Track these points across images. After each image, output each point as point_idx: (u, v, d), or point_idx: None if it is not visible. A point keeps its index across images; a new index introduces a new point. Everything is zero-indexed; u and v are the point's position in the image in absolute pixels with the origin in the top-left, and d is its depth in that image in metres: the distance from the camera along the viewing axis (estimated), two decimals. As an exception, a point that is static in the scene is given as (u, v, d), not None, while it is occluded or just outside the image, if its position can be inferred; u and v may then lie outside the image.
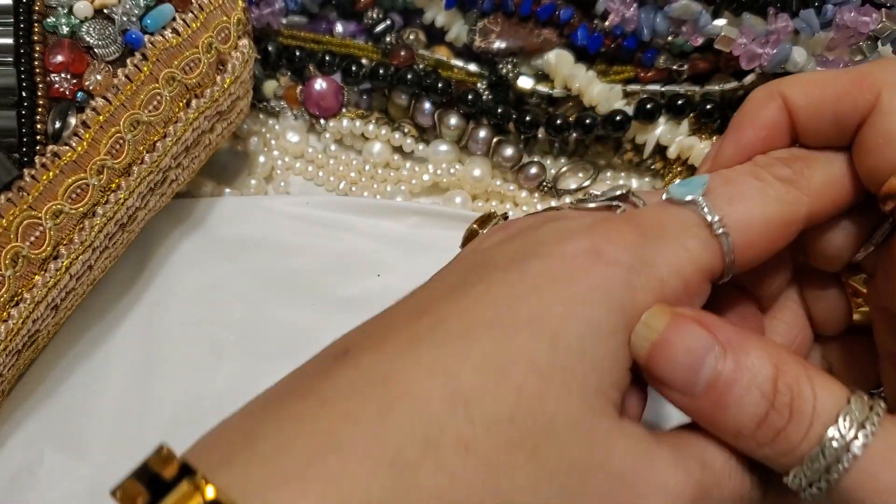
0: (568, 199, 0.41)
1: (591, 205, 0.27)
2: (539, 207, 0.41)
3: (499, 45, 0.40)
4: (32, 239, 0.30)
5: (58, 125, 0.31)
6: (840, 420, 0.21)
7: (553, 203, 0.41)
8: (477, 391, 0.20)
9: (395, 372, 0.20)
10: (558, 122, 0.40)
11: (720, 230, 0.24)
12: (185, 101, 0.33)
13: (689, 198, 0.24)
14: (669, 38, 0.39)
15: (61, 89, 0.31)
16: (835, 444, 0.21)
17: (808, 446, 0.21)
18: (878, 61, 0.25)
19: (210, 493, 0.18)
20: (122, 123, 0.31)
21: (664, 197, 0.25)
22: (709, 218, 0.24)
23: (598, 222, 0.24)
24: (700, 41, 0.37)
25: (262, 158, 0.42)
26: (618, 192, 0.27)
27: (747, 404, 0.22)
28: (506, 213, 0.30)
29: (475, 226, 0.29)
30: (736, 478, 0.23)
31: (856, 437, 0.21)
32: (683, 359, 0.22)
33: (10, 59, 0.31)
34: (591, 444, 0.21)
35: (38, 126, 0.30)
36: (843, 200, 0.25)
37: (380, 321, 0.23)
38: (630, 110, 0.39)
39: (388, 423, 0.19)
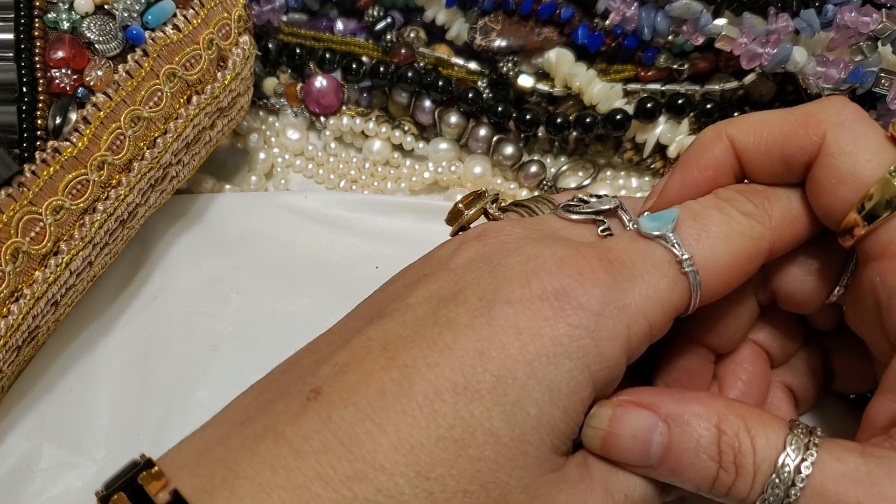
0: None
1: (575, 217, 0.27)
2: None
3: (499, 43, 0.40)
4: (33, 234, 0.30)
5: (58, 121, 0.31)
6: (778, 466, 0.23)
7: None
8: (437, 466, 0.21)
9: (363, 435, 0.21)
10: (558, 120, 0.40)
11: (689, 268, 0.24)
12: (185, 97, 0.33)
13: (658, 233, 0.25)
14: (670, 38, 0.39)
15: (62, 85, 0.31)
16: (777, 490, 0.23)
17: (756, 495, 0.23)
18: (822, 101, 0.26)
19: None
20: (122, 119, 0.31)
21: (634, 226, 0.26)
22: (679, 255, 0.24)
23: (570, 255, 0.24)
24: (700, 40, 0.38)
25: (262, 155, 0.42)
26: (606, 207, 0.27)
27: (698, 468, 0.24)
28: (496, 194, 0.30)
29: (461, 205, 0.29)
30: (649, 500, 0.26)
31: (793, 484, 0.23)
32: (631, 445, 0.24)
33: (11, 55, 0.31)
34: (536, 503, 0.23)
35: (39, 122, 0.30)
36: (802, 233, 0.26)
37: (353, 356, 0.23)
38: (630, 109, 0.39)
39: (356, 492, 0.21)
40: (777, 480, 0.23)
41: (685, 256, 0.24)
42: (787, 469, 0.23)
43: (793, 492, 0.23)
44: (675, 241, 0.25)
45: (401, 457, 0.21)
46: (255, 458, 0.21)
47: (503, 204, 0.29)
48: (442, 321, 0.23)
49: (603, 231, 0.27)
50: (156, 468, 0.21)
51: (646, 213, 0.26)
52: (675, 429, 0.24)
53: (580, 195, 0.28)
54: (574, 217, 0.27)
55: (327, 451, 0.21)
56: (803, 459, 0.23)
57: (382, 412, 0.22)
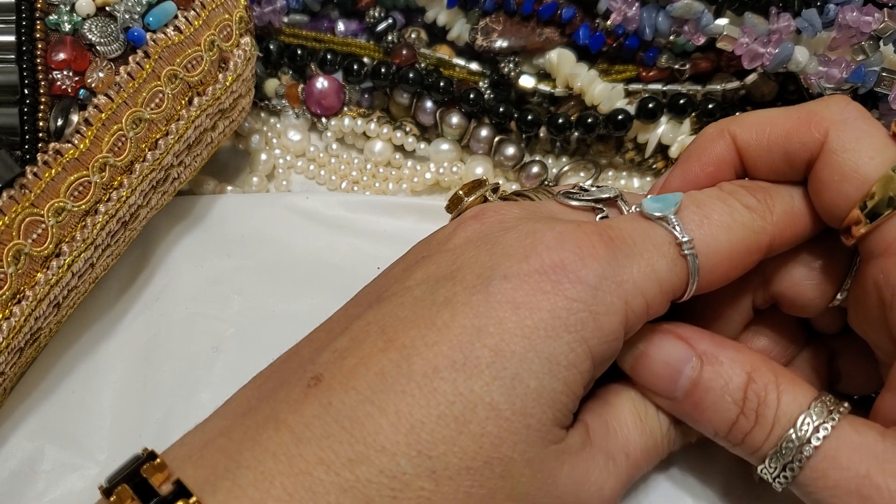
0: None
1: (574, 203, 0.27)
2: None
3: (500, 44, 0.40)
4: (35, 236, 0.30)
5: (60, 122, 0.31)
6: (797, 424, 0.24)
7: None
8: (438, 444, 0.21)
9: (363, 417, 0.21)
10: (560, 121, 0.40)
11: (689, 251, 0.25)
12: (187, 98, 0.33)
13: (660, 214, 0.25)
14: (671, 38, 0.39)
15: (63, 87, 0.31)
16: (790, 445, 0.24)
17: (769, 447, 0.24)
18: (824, 99, 0.26)
19: None
20: (124, 121, 0.31)
21: (636, 209, 0.26)
22: (680, 237, 0.25)
23: (570, 230, 0.24)
24: (702, 40, 0.37)
25: (263, 157, 0.42)
26: (605, 195, 0.27)
27: (720, 409, 0.25)
28: (497, 184, 0.30)
29: (461, 192, 0.29)
30: (650, 457, 0.26)
31: (808, 441, 0.23)
32: (662, 370, 0.25)
33: (13, 57, 0.31)
34: (540, 476, 0.23)
35: (41, 123, 0.30)
36: (803, 231, 0.27)
37: (352, 341, 0.23)
38: (632, 109, 0.39)
39: (359, 474, 0.21)
40: (793, 436, 0.23)
41: (685, 239, 0.24)
42: (805, 428, 0.23)
43: (806, 449, 0.23)
44: (676, 223, 0.25)
45: (402, 437, 0.21)
46: (258, 448, 0.21)
47: (503, 193, 0.29)
48: (440, 300, 0.23)
49: (601, 218, 0.27)
50: (158, 460, 0.22)
51: (649, 196, 0.26)
52: (707, 367, 0.25)
53: (580, 184, 0.28)
54: (573, 203, 0.27)
55: (329, 436, 0.21)
56: (823, 423, 0.23)
57: (382, 394, 0.22)
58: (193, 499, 0.20)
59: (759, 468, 0.24)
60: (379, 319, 0.24)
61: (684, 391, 0.25)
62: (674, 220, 0.25)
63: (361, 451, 0.21)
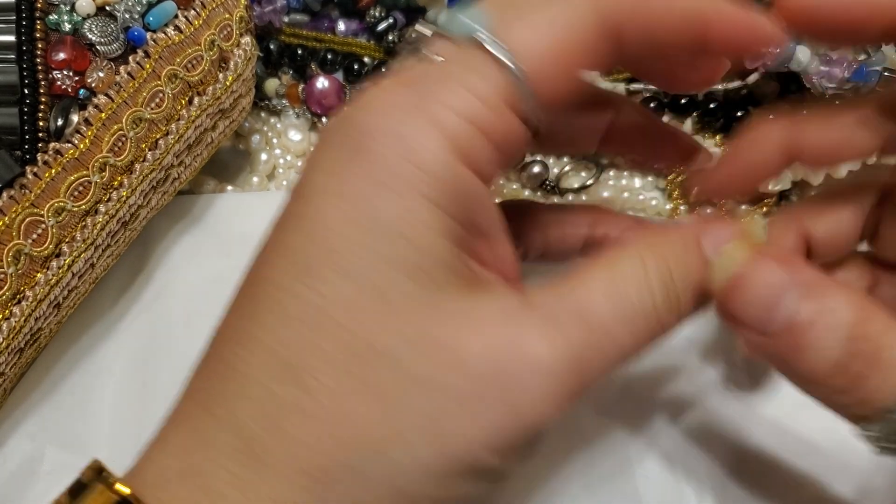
0: (571, 197, 0.41)
1: (407, 61, 0.23)
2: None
3: (501, 43, 0.40)
4: (35, 236, 0.30)
5: (60, 122, 0.31)
6: None
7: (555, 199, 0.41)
8: (303, 354, 0.21)
9: (230, 356, 0.23)
10: (561, 120, 0.40)
11: (502, 54, 0.21)
12: (187, 98, 0.33)
13: (467, 32, 0.22)
14: (672, 37, 0.39)
15: (63, 86, 0.31)
16: None
17: (885, 395, 0.20)
18: None
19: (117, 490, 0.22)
20: (124, 121, 0.31)
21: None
22: (491, 47, 0.21)
23: (375, 98, 0.22)
24: (703, 40, 0.37)
25: (264, 156, 0.42)
26: (425, 34, 0.23)
27: (826, 347, 0.20)
28: None
29: None
30: (632, 326, 0.21)
31: None
32: (757, 299, 0.21)
33: (13, 56, 0.31)
34: (429, 351, 0.20)
35: (41, 123, 0.30)
36: (663, 14, 0.23)
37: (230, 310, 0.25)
38: (633, 109, 0.39)
39: (231, 408, 0.22)
40: None
41: (501, 48, 0.21)
42: None
43: None
44: (484, 33, 0.21)
45: (263, 357, 0.22)
46: (165, 423, 0.24)
47: None
48: (286, 226, 0.24)
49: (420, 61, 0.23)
50: (93, 461, 0.23)
51: (450, 13, 0.23)
52: (812, 298, 0.21)
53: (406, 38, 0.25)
54: (407, 63, 0.23)
55: (203, 387, 0.24)
56: None
57: (243, 319, 0.24)
58: (105, 473, 0.22)
59: (863, 425, 0.21)
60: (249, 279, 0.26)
61: (781, 324, 0.21)
62: (482, 31, 0.21)
63: (233, 387, 0.22)
